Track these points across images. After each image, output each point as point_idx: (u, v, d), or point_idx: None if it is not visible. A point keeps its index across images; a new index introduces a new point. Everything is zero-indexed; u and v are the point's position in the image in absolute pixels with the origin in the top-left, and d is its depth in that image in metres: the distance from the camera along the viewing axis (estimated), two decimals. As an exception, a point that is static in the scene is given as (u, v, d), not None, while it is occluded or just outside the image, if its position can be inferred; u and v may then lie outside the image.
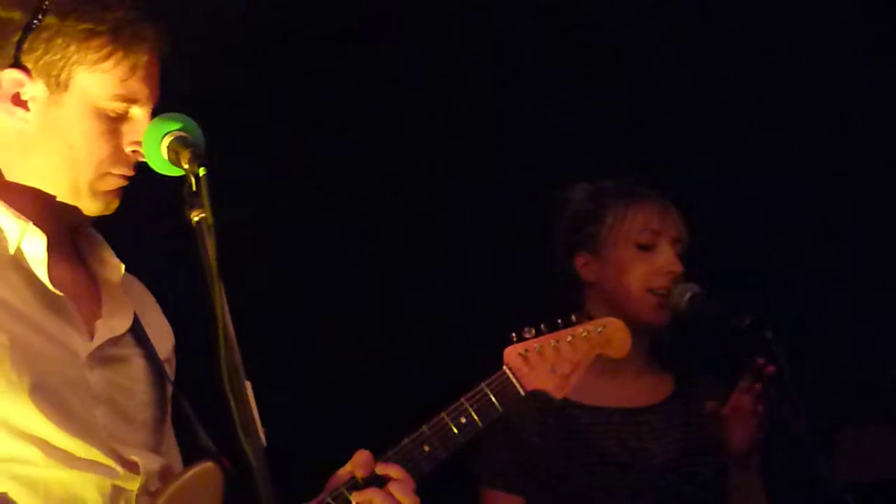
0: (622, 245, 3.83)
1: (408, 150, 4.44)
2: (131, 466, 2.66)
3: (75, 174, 2.66)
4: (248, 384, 2.39)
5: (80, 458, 2.61)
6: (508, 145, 4.54)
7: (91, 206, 2.70)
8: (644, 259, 3.82)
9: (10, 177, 2.70)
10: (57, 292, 2.66)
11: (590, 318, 3.31)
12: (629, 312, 3.75)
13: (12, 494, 2.57)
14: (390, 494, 2.90)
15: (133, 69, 2.67)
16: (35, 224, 2.66)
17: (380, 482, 2.92)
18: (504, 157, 4.53)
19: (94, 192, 2.68)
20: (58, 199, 2.69)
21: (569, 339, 3.24)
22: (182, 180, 2.49)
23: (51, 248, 2.66)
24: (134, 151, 2.68)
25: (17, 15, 2.65)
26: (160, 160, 2.59)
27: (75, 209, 2.71)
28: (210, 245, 2.41)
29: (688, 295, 3.75)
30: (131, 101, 2.68)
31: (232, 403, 2.35)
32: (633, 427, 3.80)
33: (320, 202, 4.32)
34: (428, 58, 4.45)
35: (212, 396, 2.55)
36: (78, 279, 2.75)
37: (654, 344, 3.89)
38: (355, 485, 2.92)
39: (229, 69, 4.04)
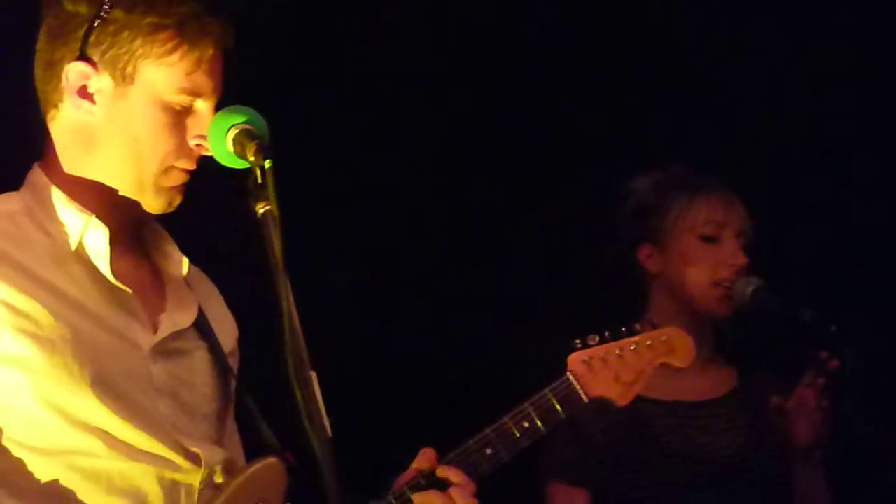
0: (686, 237, 3.82)
1: (448, 152, 4.44)
2: (194, 459, 2.67)
3: (140, 167, 2.67)
4: (313, 375, 2.39)
5: (142, 451, 2.62)
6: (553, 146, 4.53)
7: (154, 203, 2.71)
8: (708, 251, 3.80)
9: (75, 170, 2.70)
10: (119, 285, 2.67)
11: (654, 326, 3.31)
12: (693, 304, 3.78)
13: (74, 486, 2.59)
14: (450, 498, 2.91)
15: (198, 63, 2.67)
16: (98, 217, 2.67)
17: (441, 484, 2.94)
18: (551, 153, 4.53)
19: (158, 187, 2.68)
20: (121, 192, 2.69)
21: (632, 347, 3.24)
22: (247, 173, 2.49)
23: (114, 241, 2.67)
24: (198, 145, 2.69)
25: (83, 8, 2.65)
26: (225, 153, 2.59)
27: (138, 204, 2.72)
28: (276, 237, 2.41)
29: (751, 288, 3.73)
30: (196, 94, 2.68)
31: (297, 394, 2.36)
32: (696, 421, 3.78)
33: (375, 199, 4.33)
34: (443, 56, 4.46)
35: (274, 391, 2.58)
36: (142, 273, 2.75)
37: (717, 337, 3.87)
38: (418, 485, 2.94)
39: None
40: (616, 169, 4.04)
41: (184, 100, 2.68)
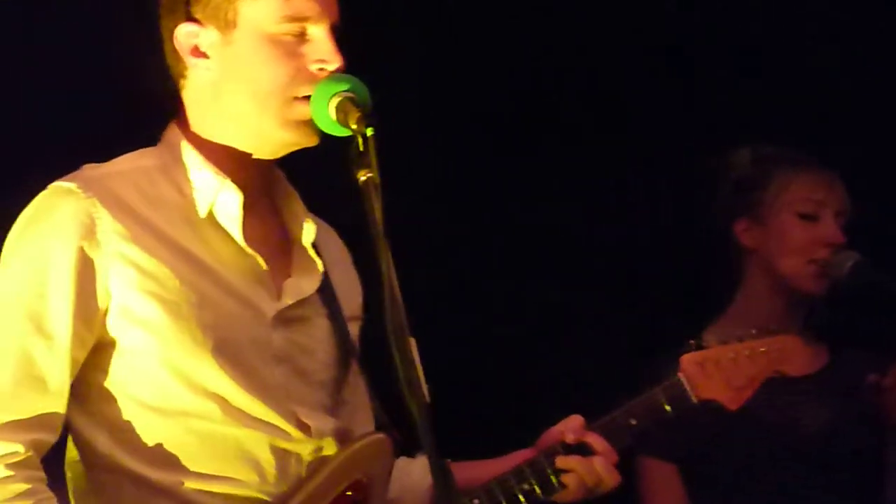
0: (785, 213, 3.79)
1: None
2: (304, 429, 2.67)
3: (260, 106, 2.64)
4: (412, 342, 2.40)
5: (256, 418, 2.63)
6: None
7: (287, 137, 2.66)
8: (806, 229, 3.77)
9: (207, 132, 2.70)
10: (249, 251, 2.67)
11: (770, 332, 3.27)
12: (787, 281, 3.75)
13: (189, 448, 2.61)
14: (592, 467, 2.91)
15: None
16: (232, 181, 2.67)
17: (583, 451, 2.94)
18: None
19: (285, 122, 2.64)
20: (251, 144, 2.68)
21: (747, 353, 3.21)
22: (349, 141, 2.49)
23: (245, 204, 2.67)
24: (320, 69, 2.64)
25: None
26: (327, 120, 2.58)
27: (270, 165, 2.71)
28: (377, 204, 2.42)
29: (850, 263, 3.70)
30: (301, 19, 2.64)
31: (397, 361, 2.37)
32: (790, 396, 3.75)
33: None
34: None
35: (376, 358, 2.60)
36: (271, 236, 2.74)
37: (811, 313, 3.84)
38: (564, 448, 2.94)
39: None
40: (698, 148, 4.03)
41: (290, 27, 2.64)
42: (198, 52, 2.68)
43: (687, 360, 3.16)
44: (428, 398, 2.34)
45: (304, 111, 2.63)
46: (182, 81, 2.72)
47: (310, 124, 2.63)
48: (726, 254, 3.87)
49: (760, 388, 3.65)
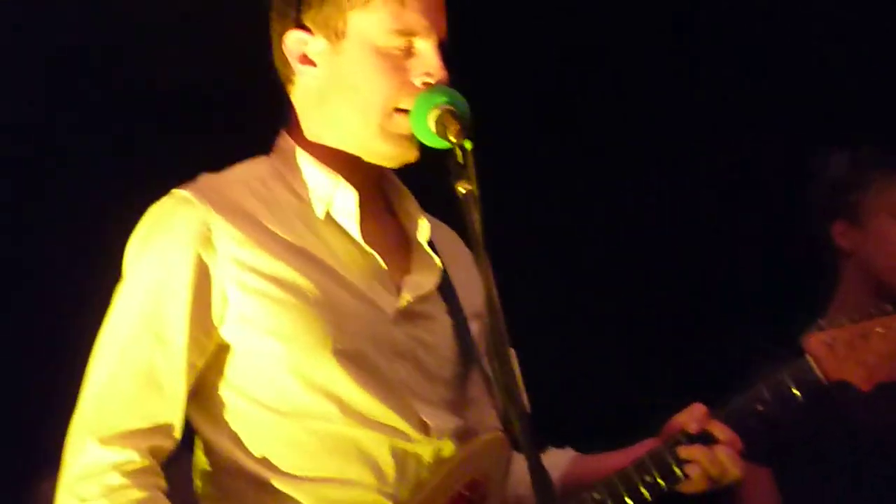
0: (885, 215, 3.77)
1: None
2: (424, 429, 2.67)
3: (363, 117, 2.67)
4: (512, 352, 2.42)
5: (375, 420, 2.63)
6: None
7: (387, 150, 2.69)
8: None
9: (314, 136, 2.73)
10: (368, 249, 2.69)
11: None
12: (886, 284, 3.72)
13: (309, 448, 2.62)
14: (716, 456, 2.86)
15: (402, 1, 2.66)
16: (346, 180, 2.70)
17: (707, 440, 2.88)
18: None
19: (386, 134, 2.67)
20: (357, 151, 2.70)
21: (879, 329, 3.09)
22: (448, 153, 2.51)
23: (361, 202, 2.69)
24: (424, 83, 2.67)
25: None
26: (427, 132, 2.61)
27: (381, 167, 2.73)
28: (476, 216, 2.44)
29: None
30: (409, 34, 2.67)
31: (497, 370, 2.39)
32: (888, 402, 3.72)
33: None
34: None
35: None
36: (387, 233, 2.76)
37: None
38: (687, 437, 2.88)
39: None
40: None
41: (398, 42, 2.66)
42: (306, 60, 2.71)
43: (814, 339, 3.07)
44: (527, 407, 2.36)
45: (404, 124, 2.66)
46: (290, 86, 2.75)
47: (410, 138, 2.66)
48: (823, 256, 3.85)
49: (859, 393, 3.65)
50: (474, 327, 2.79)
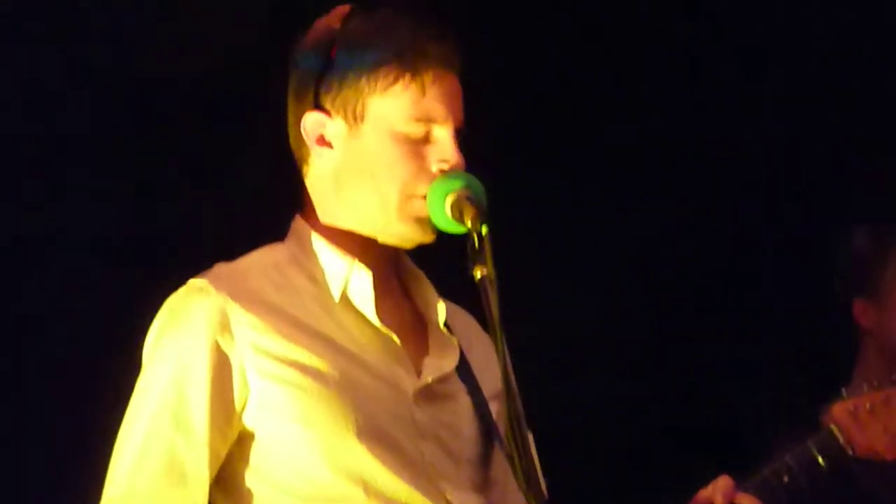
0: None
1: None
2: None
3: (382, 201, 2.67)
4: (530, 435, 2.42)
5: (401, 501, 2.61)
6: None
7: (405, 233, 2.69)
8: None
9: (330, 219, 2.74)
10: (384, 330, 2.69)
11: None
12: None
13: None
14: None
15: (423, 89, 2.67)
16: (360, 261, 2.70)
17: None
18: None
19: (405, 217, 2.67)
20: (373, 233, 2.70)
21: None
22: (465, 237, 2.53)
23: (376, 284, 2.69)
24: (440, 170, 2.68)
25: (312, 61, 2.72)
26: (444, 217, 2.62)
27: (395, 248, 2.73)
28: (493, 300, 2.45)
29: None
30: (428, 120, 2.68)
31: (515, 454, 2.38)
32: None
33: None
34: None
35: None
36: (403, 315, 2.76)
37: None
38: None
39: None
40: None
41: (417, 128, 2.67)
42: (323, 142, 2.72)
43: (837, 408, 3.06)
44: (546, 493, 2.35)
45: (421, 208, 2.66)
46: (305, 168, 2.76)
47: (427, 220, 2.66)
48: (848, 331, 3.84)
49: (879, 472, 3.62)
50: (493, 408, 2.78)
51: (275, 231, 2.80)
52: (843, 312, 3.85)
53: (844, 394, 3.09)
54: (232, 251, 2.75)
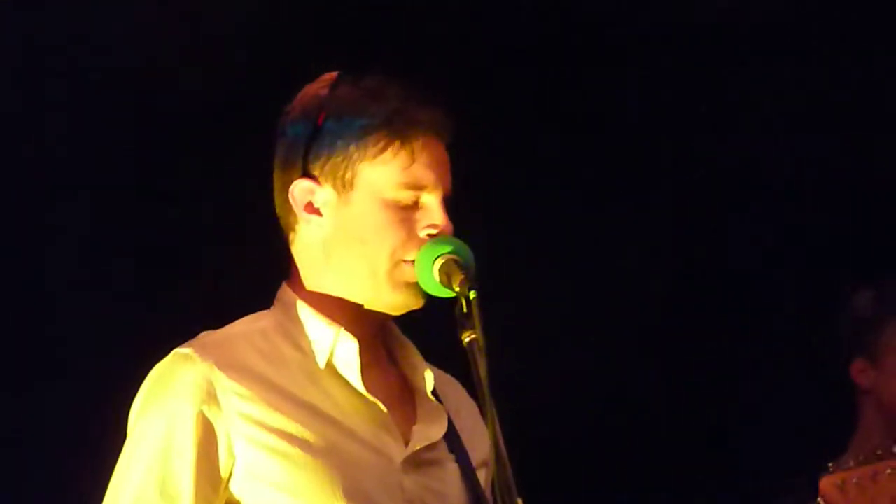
0: None
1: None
2: None
3: (372, 267, 2.67)
4: (519, 502, 2.38)
5: None
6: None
7: (394, 299, 2.69)
8: None
9: (318, 286, 2.73)
10: (371, 398, 2.68)
11: None
12: None
13: None
14: None
15: (412, 156, 2.67)
16: (346, 329, 2.69)
17: None
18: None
19: (394, 283, 2.67)
20: (360, 301, 2.70)
21: (888, 471, 3.10)
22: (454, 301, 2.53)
23: (363, 352, 2.68)
24: (429, 235, 2.68)
25: (300, 128, 2.71)
26: (432, 281, 2.61)
27: (383, 315, 2.72)
28: (482, 365, 2.44)
29: None
30: (418, 187, 2.68)
31: (505, 522, 2.36)
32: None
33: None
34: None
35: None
36: (391, 383, 2.75)
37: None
38: None
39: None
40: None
41: (406, 195, 2.68)
42: (311, 209, 2.71)
43: (825, 482, 3.09)
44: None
45: (410, 274, 2.66)
46: (292, 235, 2.75)
47: (416, 286, 2.66)
48: (846, 392, 3.85)
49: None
50: (482, 476, 2.77)
51: (263, 300, 2.80)
52: (842, 372, 3.86)
53: (832, 467, 3.11)
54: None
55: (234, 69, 3.87)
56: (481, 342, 2.45)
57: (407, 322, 2.76)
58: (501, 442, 2.41)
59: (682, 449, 4.37)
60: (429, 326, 2.69)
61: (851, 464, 3.11)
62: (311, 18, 3.78)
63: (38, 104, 3.79)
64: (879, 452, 3.14)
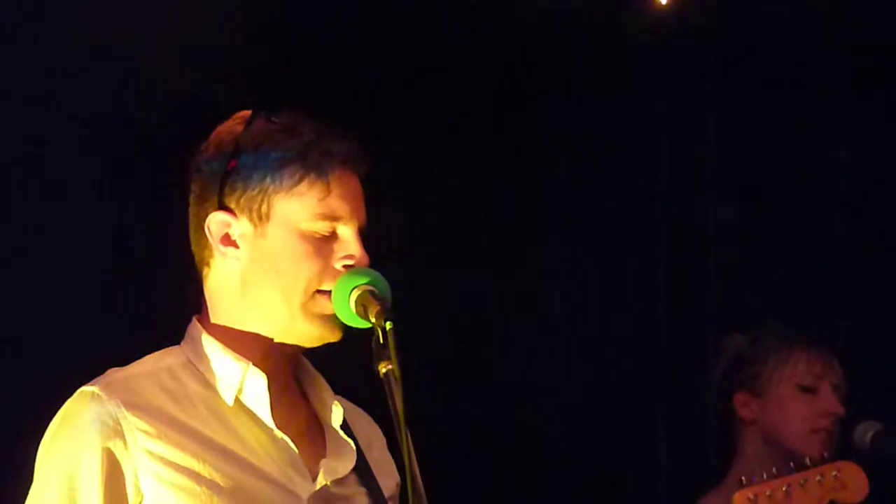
0: (785, 385, 3.86)
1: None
2: None
3: (286, 299, 2.65)
4: (436, 532, 2.40)
5: None
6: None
7: (309, 331, 2.67)
8: (806, 401, 3.84)
9: (229, 321, 2.70)
10: (279, 434, 2.65)
11: (824, 460, 3.24)
12: (790, 447, 3.76)
13: None
14: None
15: (327, 188, 2.66)
16: (255, 365, 2.66)
17: None
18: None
19: (308, 314, 2.65)
20: (275, 334, 2.68)
21: (801, 482, 3.15)
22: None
23: (272, 387, 2.65)
24: (345, 266, 2.66)
25: (216, 164, 2.69)
26: (348, 312, 2.60)
27: (294, 348, 2.70)
28: (397, 396, 2.43)
29: (871, 433, 3.73)
30: (333, 218, 2.67)
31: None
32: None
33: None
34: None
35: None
36: (299, 418, 2.73)
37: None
38: None
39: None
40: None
41: (322, 226, 2.66)
42: (228, 241, 2.68)
43: (739, 496, 3.12)
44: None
45: (326, 305, 2.64)
46: (206, 269, 2.72)
47: (332, 318, 2.64)
48: (722, 426, 3.94)
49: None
50: None
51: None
52: (720, 408, 3.95)
53: (744, 481, 3.14)
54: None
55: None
56: (397, 373, 2.44)
57: (324, 353, 2.74)
58: (417, 472, 2.41)
59: (592, 474, 4.43)
60: (345, 358, 2.67)
61: (764, 476, 3.15)
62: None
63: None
64: (792, 465, 3.19)
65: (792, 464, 3.20)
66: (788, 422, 3.81)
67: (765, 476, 3.16)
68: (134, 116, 3.81)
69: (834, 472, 3.22)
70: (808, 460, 3.21)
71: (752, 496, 3.13)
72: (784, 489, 3.15)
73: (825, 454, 3.70)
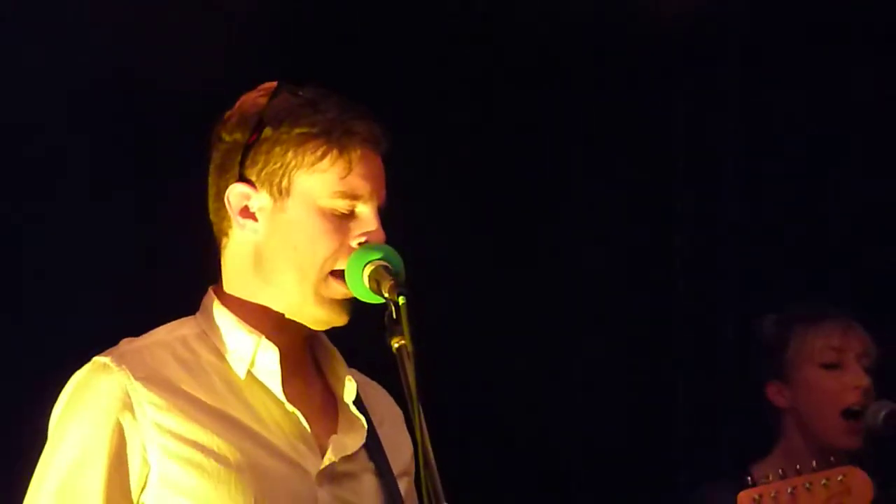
0: (807, 367, 3.79)
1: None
2: None
3: (301, 278, 2.61)
4: (447, 507, 2.34)
5: None
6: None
7: (317, 313, 2.64)
8: (831, 377, 3.77)
9: (245, 293, 2.67)
10: (290, 408, 2.62)
11: (830, 464, 3.20)
12: (822, 437, 3.73)
13: None
14: None
15: (349, 166, 2.63)
16: (268, 338, 2.63)
17: None
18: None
19: (319, 298, 2.62)
20: (286, 309, 2.64)
21: (806, 485, 3.10)
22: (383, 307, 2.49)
23: (284, 361, 2.62)
24: (360, 244, 2.63)
25: (239, 135, 2.66)
26: (361, 287, 2.56)
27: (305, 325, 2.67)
28: (410, 370, 2.41)
29: (883, 413, 3.67)
30: (353, 197, 2.63)
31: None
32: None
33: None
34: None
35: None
36: (312, 392, 2.69)
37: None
38: None
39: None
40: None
41: (341, 204, 2.63)
42: (247, 213, 2.65)
43: (743, 497, 3.08)
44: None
45: (337, 289, 2.61)
46: (224, 239, 2.69)
47: (341, 303, 2.62)
48: (764, 416, 3.88)
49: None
50: (402, 485, 2.72)
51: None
52: (759, 398, 3.89)
53: (750, 481, 3.10)
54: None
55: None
56: (410, 348, 2.42)
57: (338, 328, 2.70)
58: (429, 448, 2.37)
59: (608, 457, 4.40)
60: (360, 332, 2.63)
61: (770, 478, 3.10)
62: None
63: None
64: (798, 467, 3.14)
65: (798, 466, 3.15)
66: (816, 404, 3.77)
67: (770, 477, 3.11)
68: (155, 86, 3.79)
69: (840, 477, 3.16)
70: (814, 463, 3.16)
71: (756, 496, 3.08)
72: (789, 491, 3.10)
73: (858, 446, 3.70)
